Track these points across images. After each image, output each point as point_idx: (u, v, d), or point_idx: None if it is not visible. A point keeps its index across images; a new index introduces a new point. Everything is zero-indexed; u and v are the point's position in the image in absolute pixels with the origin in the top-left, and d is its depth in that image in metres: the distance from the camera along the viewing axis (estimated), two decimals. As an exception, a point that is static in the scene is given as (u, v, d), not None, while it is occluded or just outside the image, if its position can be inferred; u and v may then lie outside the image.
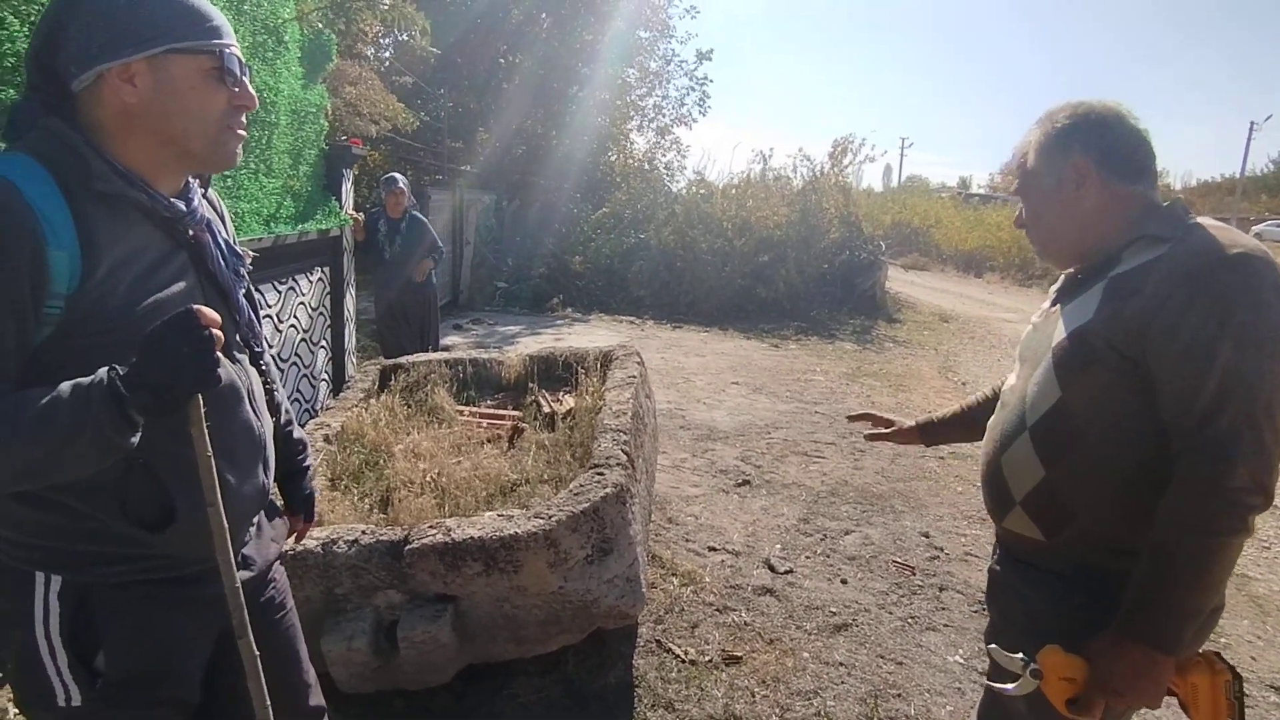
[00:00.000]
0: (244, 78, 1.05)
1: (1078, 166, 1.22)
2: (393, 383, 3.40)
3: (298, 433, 1.41)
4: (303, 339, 4.58)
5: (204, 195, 1.15)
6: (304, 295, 4.59)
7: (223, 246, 1.13)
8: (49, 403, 0.83)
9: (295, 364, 4.47)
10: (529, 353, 3.76)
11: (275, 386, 1.29)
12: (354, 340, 5.47)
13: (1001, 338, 10.08)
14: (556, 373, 3.61)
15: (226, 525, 0.91)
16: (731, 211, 11.91)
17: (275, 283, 4.17)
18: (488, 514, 2.27)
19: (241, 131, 1.06)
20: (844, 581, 3.13)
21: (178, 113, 0.98)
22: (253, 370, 1.19)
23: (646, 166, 15.68)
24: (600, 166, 15.21)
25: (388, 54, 13.83)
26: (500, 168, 13.21)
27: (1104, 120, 1.22)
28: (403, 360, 3.63)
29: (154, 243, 1.01)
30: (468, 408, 3.31)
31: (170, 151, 1.01)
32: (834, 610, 2.89)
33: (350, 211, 5.14)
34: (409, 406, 3.19)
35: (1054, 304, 1.30)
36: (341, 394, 3.46)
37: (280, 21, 3.98)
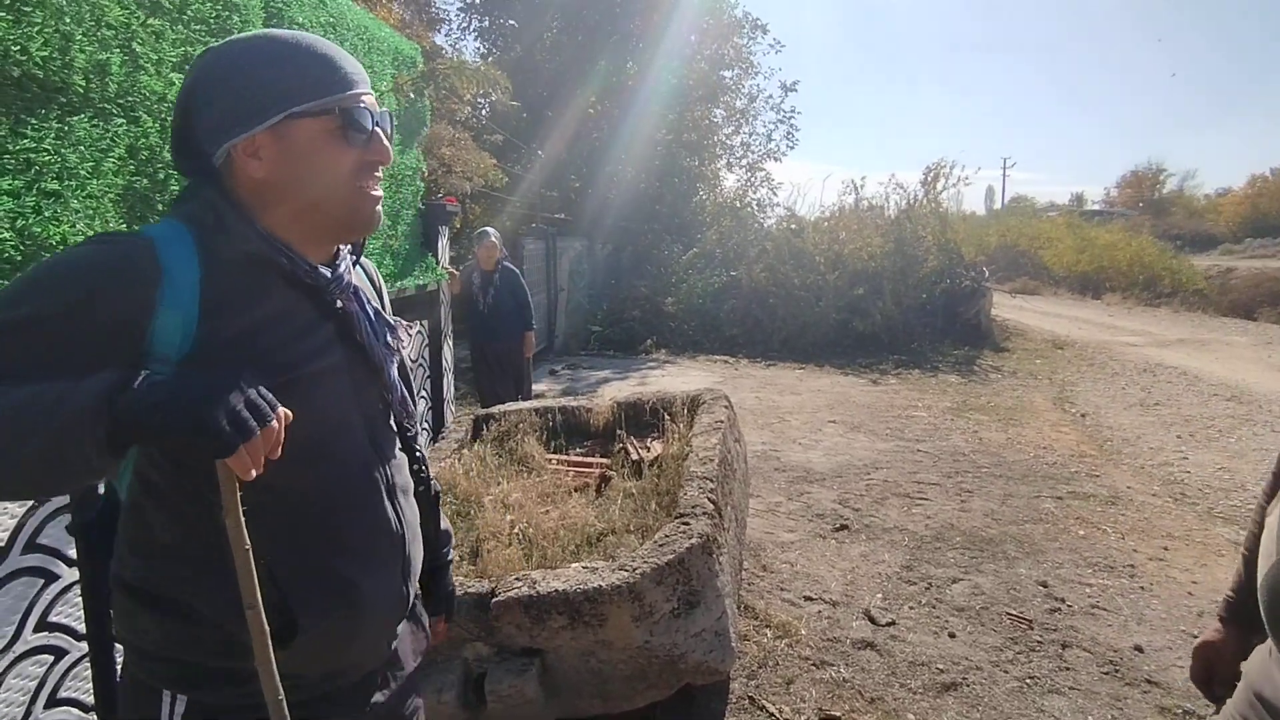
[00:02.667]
0: (377, 129, 0.97)
1: None
2: (485, 432, 3.49)
3: (444, 523, 1.27)
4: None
5: (356, 263, 1.08)
6: (404, 349, 4.81)
7: (371, 316, 1.04)
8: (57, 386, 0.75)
9: (397, 414, 4.67)
10: (617, 399, 3.78)
11: (430, 476, 1.18)
12: (453, 389, 5.68)
13: (1126, 363, 9.37)
14: (645, 418, 3.61)
15: (268, 631, 0.81)
16: (823, 245, 11.73)
17: (402, 321, 4.40)
18: (573, 566, 2.27)
19: (376, 191, 0.98)
20: (952, 635, 2.92)
21: (308, 180, 0.92)
22: (401, 458, 1.09)
23: (737, 204, 15.69)
24: (691, 207, 15.36)
25: (484, 111, 14.58)
26: (592, 214, 13.55)
27: None
28: (495, 410, 3.72)
29: (298, 311, 0.94)
30: (556, 456, 3.35)
31: (310, 220, 0.95)
32: (941, 667, 2.70)
33: (446, 266, 5.38)
34: (500, 456, 3.26)
35: None
36: (436, 444, 3.57)
37: (378, 94, 4.27)
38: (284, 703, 0.82)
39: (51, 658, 2.08)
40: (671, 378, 8.83)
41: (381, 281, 1.20)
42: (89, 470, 0.77)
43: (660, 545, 2.25)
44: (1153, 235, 23.44)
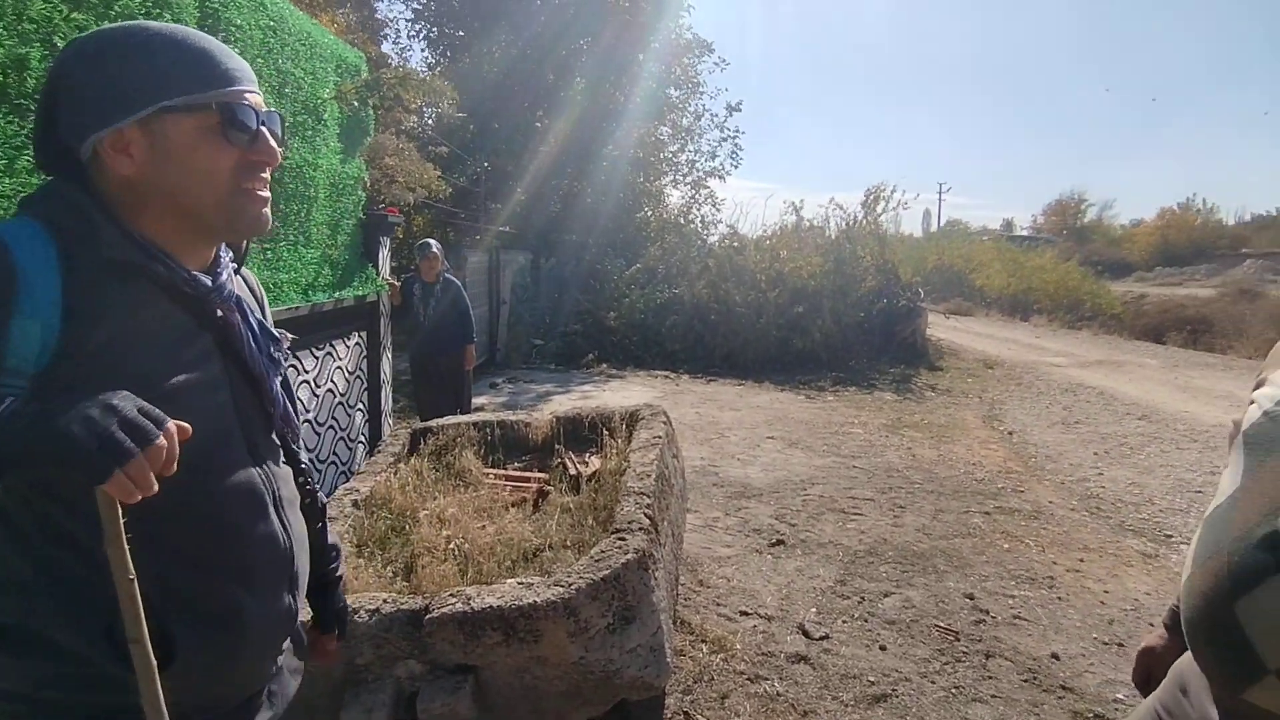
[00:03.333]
0: (262, 129, 0.91)
1: None
2: (422, 446, 3.44)
3: (331, 537, 1.22)
4: (339, 402, 4.67)
5: (237, 272, 1.02)
6: (341, 360, 4.70)
7: (255, 328, 1.00)
8: None
9: (332, 427, 4.55)
10: (557, 413, 3.78)
11: (316, 488, 1.14)
12: (390, 402, 5.57)
13: (1050, 383, 9.79)
14: (583, 433, 3.61)
15: (154, 665, 0.75)
16: (765, 263, 11.95)
17: (313, 349, 4.29)
18: (508, 582, 2.25)
19: (263, 192, 0.93)
20: (883, 648, 3.00)
21: (181, 180, 0.87)
22: (286, 470, 1.06)
23: (681, 221, 15.88)
24: (635, 222, 15.46)
25: (430, 121, 14.42)
26: (536, 227, 13.52)
27: None
28: (432, 423, 3.67)
29: (172, 321, 0.89)
30: (494, 470, 3.31)
31: (187, 223, 0.89)
32: (872, 679, 2.76)
33: (386, 277, 5.29)
34: (437, 470, 3.21)
35: None
36: (372, 458, 3.50)
37: (320, 101, 4.19)
38: None
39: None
40: (613, 392, 8.84)
41: (263, 292, 1.15)
42: None
43: (596, 561, 2.25)
44: (1078, 261, 24.68)
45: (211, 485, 0.91)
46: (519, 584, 2.20)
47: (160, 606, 0.83)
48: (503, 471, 3.30)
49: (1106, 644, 3.08)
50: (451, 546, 2.53)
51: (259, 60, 3.50)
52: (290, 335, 1.09)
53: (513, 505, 2.93)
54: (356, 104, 4.60)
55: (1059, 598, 3.47)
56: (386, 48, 16.80)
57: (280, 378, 1.05)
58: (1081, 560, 3.92)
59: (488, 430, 3.55)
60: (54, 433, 0.69)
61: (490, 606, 2.09)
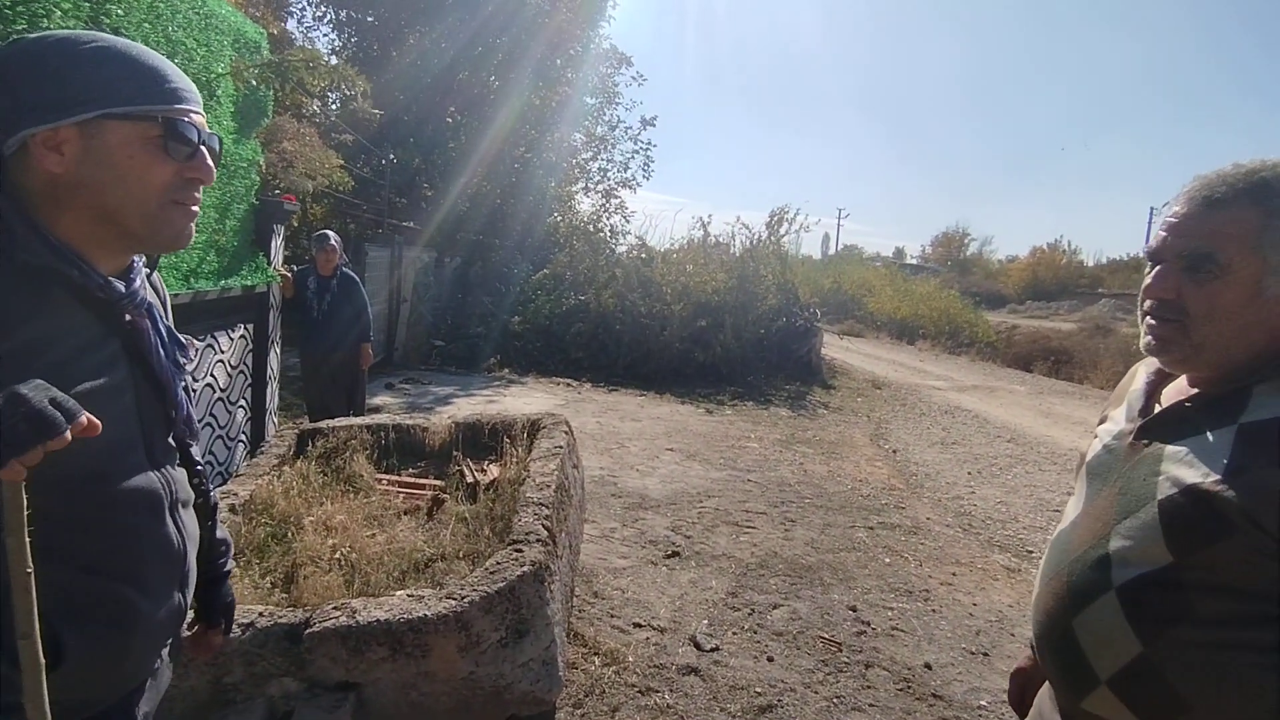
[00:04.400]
0: (202, 147, 0.94)
1: None
2: (310, 448, 3.27)
3: (221, 532, 1.24)
4: (219, 399, 4.38)
5: (149, 278, 1.04)
6: (223, 353, 4.42)
7: (163, 334, 1.02)
8: None
9: (210, 425, 4.26)
10: (457, 418, 3.68)
11: (209, 487, 1.17)
12: (276, 400, 5.28)
13: (931, 405, 10.38)
14: (483, 440, 3.54)
15: (42, 663, 0.75)
16: (671, 276, 12.11)
17: (193, 340, 4.01)
18: (398, 594, 2.17)
19: (193, 207, 0.96)
20: (770, 659, 3.08)
21: (112, 185, 0.88)
22: (181, 472, 1.07)
23: (591, 228, 15.88)
24: (544, 227, 15.34)
25: (334, 108, 13.83)
26: (442, 226, 13.17)
27: None
28: (322, 424, 3.50)
29: (81, 326, 0.89)
30: (388, 476, 3.20)
31: (107, 228, 0.90)
32: (759, 690, 2.83)
33: (279, 267, 5.02)
34: (325, 474, 3.06)
35: (1143, 434, 1.07)
36: (254, 459, 3.30)
37: (213, 76, 3.94)
38: None
39: None
40: (514, 398, 8.72)
41: (167, 294, 1.15)
42: None
43: (491, 573, 2.20)
44: (959, 291, 26.34)
45: (112, 490, 0.91)
46: (409, 596, 2.12)
47: (52, 609, 0.80)
48: (396, 478, 3.19)
49: (974, 654, 3.28)
50: (338, 556, 2.42)
51: (145, 25, 3.25)
52: (196, 341, 1.07)
53: (406, 513, 2.83)
54: (255, 83, 4.36)
55: (933, 610, 3.67)
56: (291, 25, 16.03)
57: (183, 384, 1.06)
58: (954, 574, 4.17)
59: (382, 434, 3.42)
60: None
61: (377, 620, 2.01)
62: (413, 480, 3.17)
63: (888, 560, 4.30)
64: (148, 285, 1.02)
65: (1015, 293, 33.42)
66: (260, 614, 2.03)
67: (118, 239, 0.92)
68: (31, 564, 0.73)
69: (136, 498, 0.94)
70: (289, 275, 5.11)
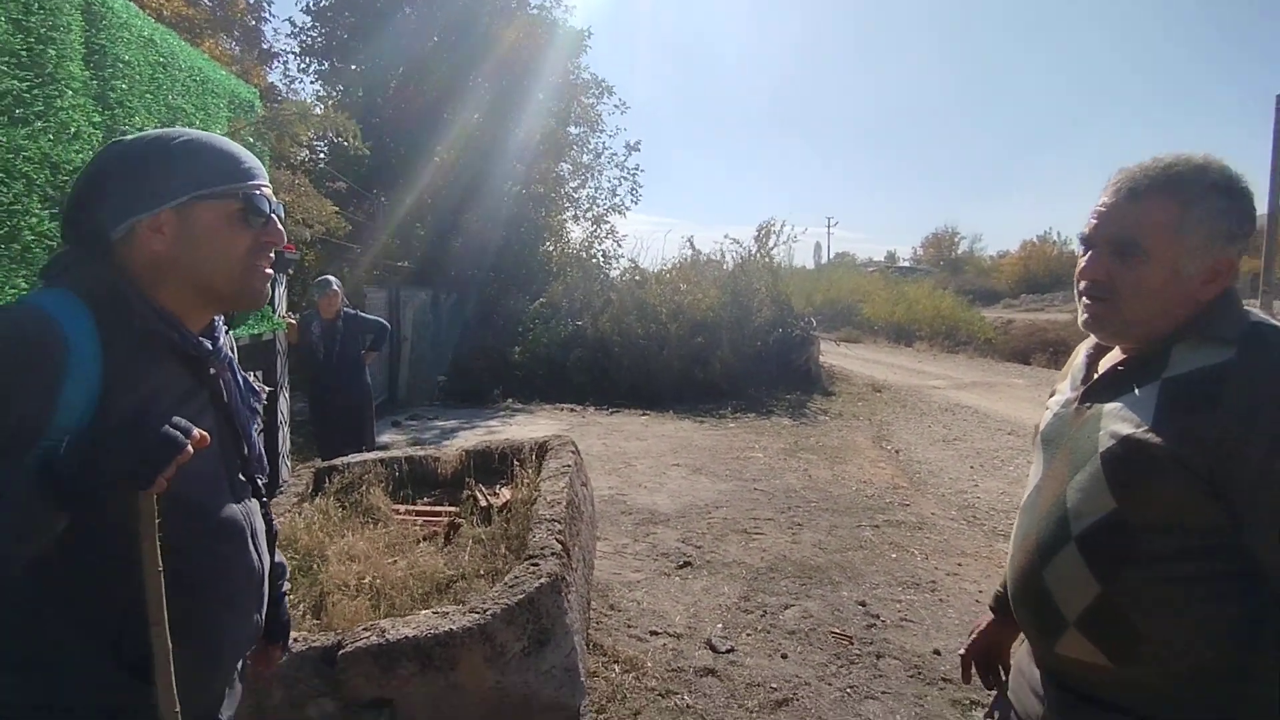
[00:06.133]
0: (273, 216, 1.08)
1: (1224, 264, 1.10)
2: (327, 485, 3.39)
3: (279, 557, 1.36)
4: (234, 445, 4.51)
5: (227, 333, 1.17)
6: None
7: (240, 384, 1.16)
8: None
9: (226, 471, 4.38)
10: (466, 447, 3.80)
11: (273, 517, 1.28)
12: (288, 443, 5.40)
13: (931, 404, 10.50)
14: (493, 465, 3.65)
15: (170, 648, 0.90)
16: (665, 296, 12.30)
17: (264, 386, 4.15)
18: (423, 612, 2.28)
19: (268, 269, 1.10)
20: (784, 656, 3.18)
21: (204, 257, 1.02)
22: (255, 505, 1.19)
23: (583, 255, 16.10)
24: (538, 257, 15.56)
25: (323, 155, 14.11)
26: (439, 263, 13.40)
27: (1251, 204, 1.11)
28: (337, 461, 3.63)
29: (179, 380, 1.03)
30: (404, 506, 3.31)
31: (198, 293, 1.04)
32: (775, 686, 2.93)
33: (284, 315, 5.17)
34: (344, 508, 3.18)
35: (1085, 399, 1.20)
36: (274, 499, 3.42)
37: (212, 138, 4.11)
38: (178, 715, 0.90)
39: None
40: (520, 426, 8.84)
41: (235, 347, 1.28)
42: (35, 539, 0.84)
43: (510, 586, 2.32)
44: (953, 290, 26.55)
45: (209, 523, 1.05)
46: (434, 613, 2.23)
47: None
48: (412, 507, 3.31)
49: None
50: (364, 582, 2.53)
51: (148, 95, 3.43)
52: (266, 388, 1.24)
53: (424, 539, 2.95)
54: (251, 139, 4.54)
55: (940, 600, 3.77)
56: (274, 77, 16.38)
57: (258, 428, 1.19)
58: (960, 565, 4.27)
59: (395, 466, 3.54)
60: (117, 458, 0.83)
61: (406, 637, 2.12)
62: (428, 508, 3.29)
63: (894, 556, 4.40)
64: (228, 340, 1.17)
65: (1009, 287, 33.66)
66: (295, 639, 2.13)
67: (207, 302, 1.07)
68: (161, 564, 0.88)
69: (228, 528, 1.07)
70: (294, 322, 5.26)
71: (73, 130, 2.81)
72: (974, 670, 1.53)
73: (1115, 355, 1.23)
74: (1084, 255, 1.20)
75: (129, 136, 1.04)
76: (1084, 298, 1.20)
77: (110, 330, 0.94)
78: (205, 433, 0.90)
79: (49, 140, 2.68)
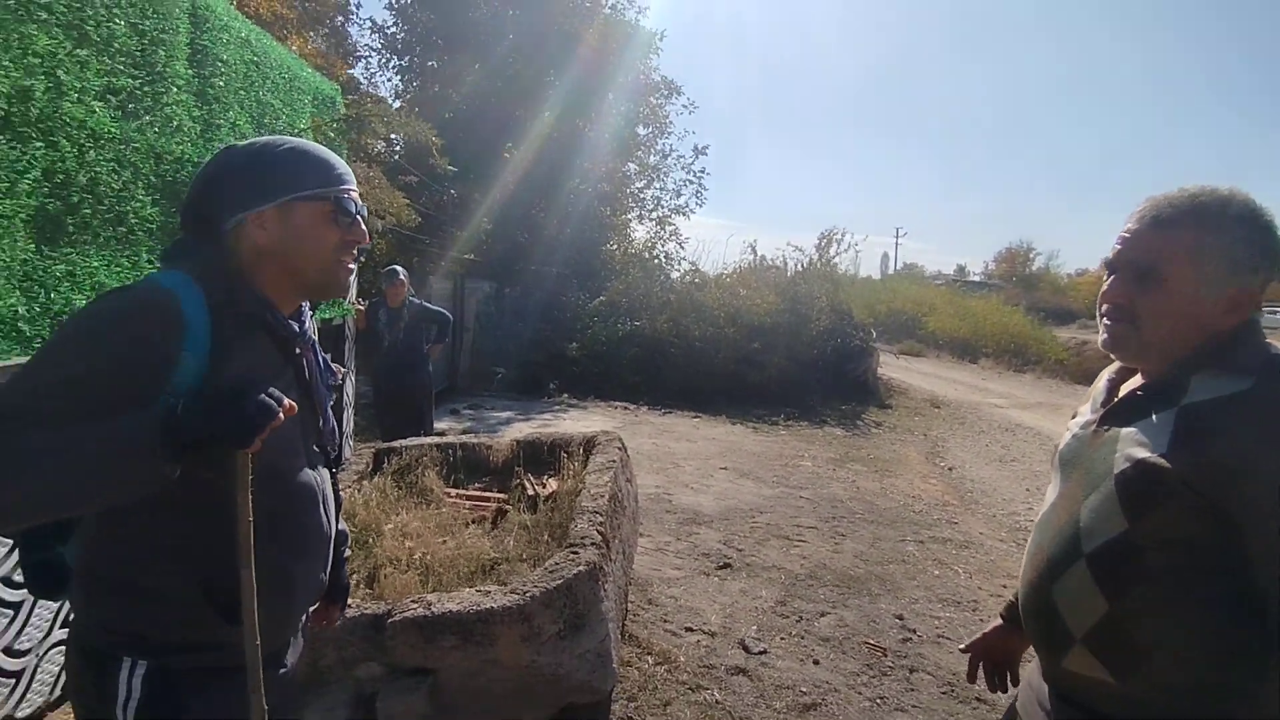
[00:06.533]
0: (358, 217, 1.20)
1: (1245, 294, 1.12)
2: (386, 465, 3.58)
3: (341, 525, 1.48)
4: (302, 422, 4.76)
5: (312, 317, 1.31)
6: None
7: (320, 364, 1.29)
8: (106, 425, 0.93)
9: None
10: (517, 438, 3.95)
11: (339, 487, 1.41)
12: (352, 424, 5.67)
13: (992, 423, 10.25)
14: (543, 457, 3.79)
15: (255, 588, 1.03)
16: (724, 300, 12.31)
17: (340, 366, 4.41)
18: (467, 590, 2.41)
19: (352, 265, 1.23)
20: (816, 662, 3.21)
21: (297, 250, 1.15)
22: (326, 473, 1.32)
23: (646, 256, 16.23)
24: (601, 255, 15.76)
25: (398, 148, 14.62)
26: (502, 257, 13.73)
27: (1275, 237, 1.13)
28: (396, 444, 3.81)
29: (270, 358, 1.16)
30: (456, 490, 3.47)
31: (291, 281, 1.18)
32: (804, 690, 2.97)
33: (354, 301, 5.43)
34: (400, 488, 3.36)
35: (1104, 422, 1.23)
36: (335, 470, 3.62)
37: (297, 131, 4.37)
38: (259, 647, 1.04)
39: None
40: (572, 421, 9.01)
41: (315, 329, 1.44)
42: (154, 481, 0.95)
43: (550, 571, 2.43)
44: (1024, 307, 25.69)
45: (288, 486, 1.19)
46: (477, 592, 2.36)
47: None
48: (464, 491, 3.46)
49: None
50: (415, 558, 2.69)
51: (241, 92, 3.68)
52: (342, 369, 1.38)
53: (473, 522, 3.09)
54: (331, 134, 4.79)
55: (981, 619, 3.73)
56: (356, 72, 17.01)
57: (332, 403, 1.32)
58: (1004, 586, 4.20)
59: (450, 452, 3.71)
60: (229, 417, 0.96)
61: (449, 611, 2.25)
62: (478, 493, 3.44)
63: (937, 572, 4.36)
64: (313, 324, 1.30)
65: (1085, 307, 32.29)
66: (350, 604, 2.29)
67: (297, 290, 1.21)
68: (252, 515, 1.02)
69: (303, 492, 1.21)
70: (362, 308, 5.52)
71: (175, 124, 3.06)
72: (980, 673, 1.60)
73: (1137, 380, 1.26)
74: (1108, 279, 1.24)
75: (242, 143, 1.19)
76: (1105, 319, 1.23)
77: (218, 308, 1.07)
78: (293, 403, 1.02)
79: (155, 133, 2.92)
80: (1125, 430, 1.16)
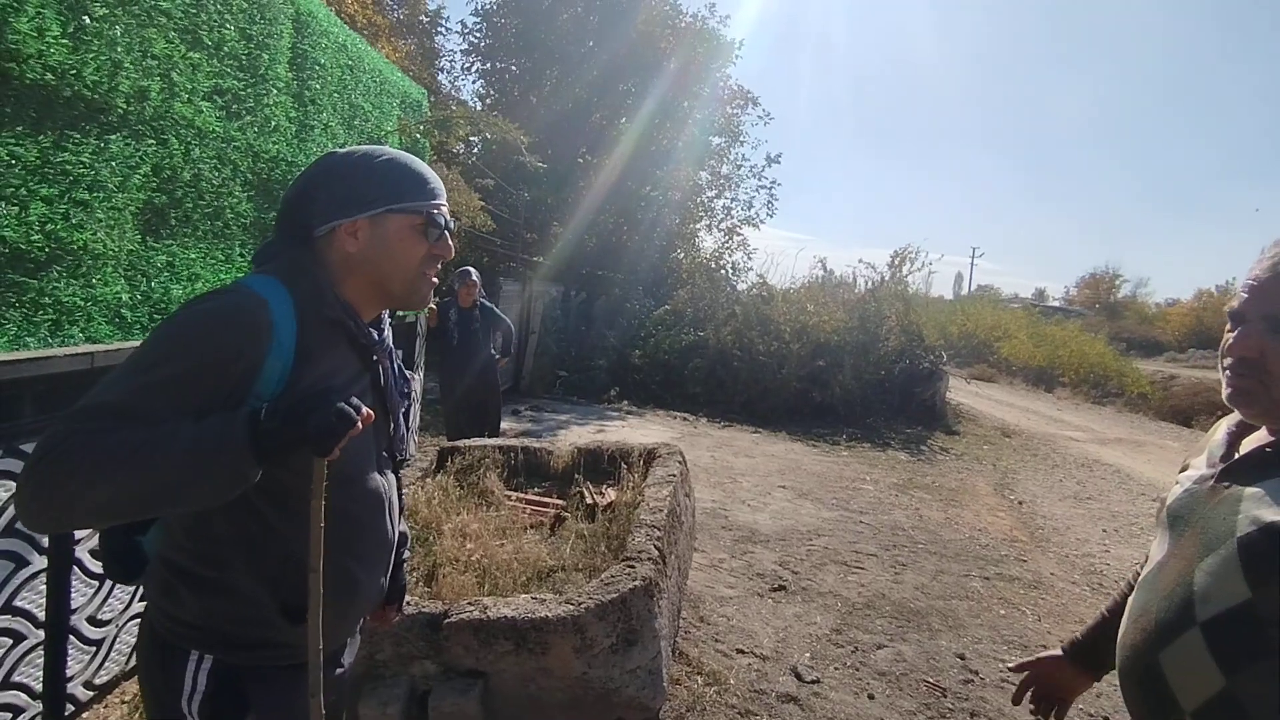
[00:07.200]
0: (446, 232, 1.22)
1: None
2: (449, 464, 3.64)
3: (402, 525, 1.49)
4: (372, 415, 4.90)
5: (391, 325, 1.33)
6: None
7: (395, 372, 1.30)
8: (193, 426, 0.95)
9: (363, 438, 4.78)
10: (578, 444, 3.97)
11: (402, 492, 1.44)
12: (418, 419, 5.80)
13: (1067, 456, 9.80)
14: (602, 465, 3.80)
15: (322, 593, 1.05)
16: (791, 315, 12.13)
17: (414, 374, 4.56)
18: (522, 596, 2.43)
19: (434, 278, 1.24)
20: (871, 697, 3.11)
21: (385, 260, 1.16)
22: (393, 478, 1.33)
23: (713, 266, 16.15)
24: (668, 263, 15.77)
25: (476, 150, 14.97)
26: (571, 261, 13.87)
27: None
28: (460, 443, 3.88)
29: (350, 364, 1.18)
30: (516, 493, 3.51)
31: (375, 290, 1.19)
32: (857, 725, 2.88)
33: (427, 300, 5.56)
34: (461, 488, 3.41)
35: (1224, 478, 1.15)
36: (400, 471, 3.71)
37: (383, 133, 4.51)
38: (321, 651, 1.07)
39: (10, 641, 2.17)
40: (631, 429, 9.02)
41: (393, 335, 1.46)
42: (238, 484, 0.97)
43: (606, 584, 2.42)
44: (1106, 336, 24.54)
45: (357, 491, 1.20)
46: (532, 599, 2.38)
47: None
48: (524, 495, 3.50)
49: (1091, 715, 3.16)
50: (473, 559, 2.72)
51: (335, 94, 3.82)
52: (417, 377, 1.41)
53: (531, 527, 3.12)
54: (418, 136, 4.93)
55: (1049, 667, 3.55)
56: (441, 76, 17.51)
57: (405, 410, 1.33)
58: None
59: (512, 455, 3.75)
60: (312, 424, 0.98)
61: (504, 617, 2.27)
62: (538, 498, 3.47)
63: (1003, 612, 4.18)
64: (390, 333, 1.32)
65: (1175, 340, 30.75)
66: (408, 602, 2.34)
67: (380, 299, 1.22)
68: (324, 521, 1.04)
69: (372, 497, 1.22)
70: (434, 307, 5.65)
71: (273, 124, 3.19)
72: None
73: (1262, 436, 1.17)
74: (1232, 330, 1.15)
75: (342, 150, 1.20)
76: (1229, 372, 1.15)
77: (305, 314, 1.09)
78: (371, 411, 1.04)
79: (254, 132, 3.06)
80: (1250, 490, 1.07)
